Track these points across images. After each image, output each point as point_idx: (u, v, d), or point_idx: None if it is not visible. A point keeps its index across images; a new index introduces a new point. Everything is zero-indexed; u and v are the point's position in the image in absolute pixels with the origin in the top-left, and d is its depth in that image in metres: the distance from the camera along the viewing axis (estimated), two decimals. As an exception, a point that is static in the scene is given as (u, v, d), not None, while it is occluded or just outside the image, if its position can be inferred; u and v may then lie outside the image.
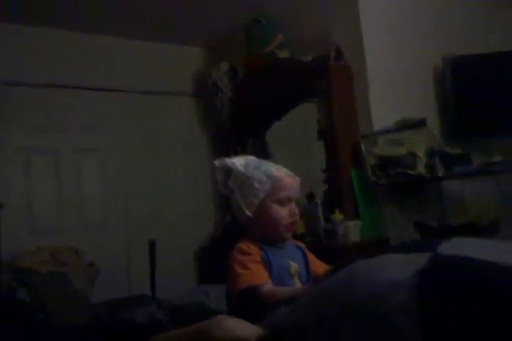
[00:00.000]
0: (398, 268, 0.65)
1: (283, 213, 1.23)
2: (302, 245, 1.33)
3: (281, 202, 1.23)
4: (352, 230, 2.33)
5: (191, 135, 3.58)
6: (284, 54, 2.83)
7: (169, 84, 3.45)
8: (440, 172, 2.29)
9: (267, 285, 1.11)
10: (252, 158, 1.31)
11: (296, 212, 1.24)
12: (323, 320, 0.70)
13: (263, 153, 2.92)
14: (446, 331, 0.55)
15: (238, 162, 1.26)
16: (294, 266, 1.23)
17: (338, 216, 2.34)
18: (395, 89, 2.57)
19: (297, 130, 3.01)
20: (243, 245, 1.19)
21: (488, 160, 2.31)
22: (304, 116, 2.89)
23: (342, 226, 2.32)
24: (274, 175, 1.23)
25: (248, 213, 1.21)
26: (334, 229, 2.32)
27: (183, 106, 3.57)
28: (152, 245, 2.75)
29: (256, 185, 1.21)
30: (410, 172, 2.29)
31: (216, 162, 1.30)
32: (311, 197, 2.57)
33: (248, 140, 3.20)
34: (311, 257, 1.33)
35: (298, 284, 1.21)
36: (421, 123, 2.40)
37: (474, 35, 2.91)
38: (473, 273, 0.62)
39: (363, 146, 2.42)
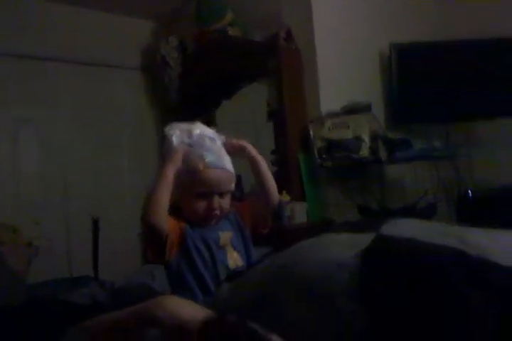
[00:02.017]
0: (342, 247, 0.66)
1: (199, 207, 1.20)
2: (232, 211, 1.30)
3: (200, 196, 1.20)
4: (297, 211, 2.38)
5: (138, 110, 3.47)
6: (234, 31, 2.78)
7: (116, 57, 3.31)
8: (383, 156, 2.37)
9: None
10: (196, 139, 1.23)
11: (215, 207, 1.20)
12: (267, 299, 0.70)
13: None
14: (386, 311, 0.57)
15: (177, 138, 1.22)
16: (224, 236, 1.24)
17: (285, 197, 2.37)
18: (343, 74, 2.61)
19: (248, 110, 3.00)
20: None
21: (427, 146, 2.41)
22: (256, 97, 2.88)
23: (288, 208, 2.36)
24: (193, 168, 1.18)
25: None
26: (280, 211, 2.35)
27: (130, 80, 3.45)
28: (95, 223, 2.67)
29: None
30: (355, 155, 2.35)
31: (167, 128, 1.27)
32: (259, 178, 2.58)
33: (196, 118, 3.15)
34: (243, 209, 1.32)
35: (231, 253, 1.23)
36: (366, 108, 2.46)
37: (422, 23, 2.99)
38: (412, 254, 0.65)
39: (310, 129, 2.45)
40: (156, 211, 1.13)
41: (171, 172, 1.17)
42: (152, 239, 1.17)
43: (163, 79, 3.23)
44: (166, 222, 1.15)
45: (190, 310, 0.73)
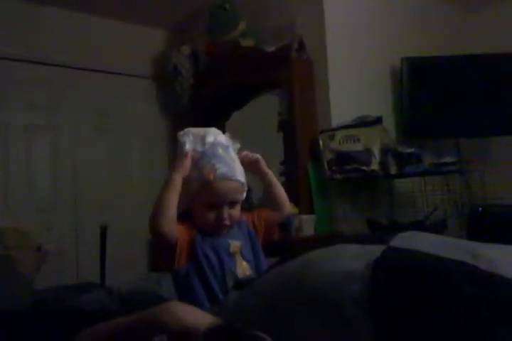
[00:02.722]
0: (353, 258, 0.66)
1: (208, 217, 1.19)
2: (243, 218, 1.29)
3: (210, 206, 1.19)
4: (306, 224, 2.36)
5: (149, 118, 3.50)
6: (247, 42, 2.79)
7: (128, 65, 3.35)
8: (392, 170, 2.36)
9: None
10: (209, 148, 1.21)
11: (225, 217, 1.19)
12: (276, 309, 0.70)
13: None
14: (396, 321, 0.57)
15: (190, 144, 1.21)
16: (235, 244, 1.23)
17: (292, 209, 2.36)
18: (354, 86, 2.62)
19: (257, 121, 3.01)
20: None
21: (438, 161, 2.40)
22: (265, 108, 2.89)
23: (296, 220, 2.34)
24: (204, 178, 1.17)
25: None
26: (288, 222, 2.34)
27: (142, 89, 3.48)
28: (103, 230, 2.68)
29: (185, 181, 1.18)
30: (365, 168, 2.34)
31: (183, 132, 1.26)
32: (267, 189, 2.58)
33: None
34: (256, 218, 1.32)
35: (240, 261, 1.22)
36: (377, 121, 2.46)
37: (434, 38, 3.00)
38: (421, 267, 0.64)
39: (320, 141, 2.45)
40: (165, 219, 1.13)
41: (179, 178, 1.17)
42: (161, 247, 1.17)
43: (174, 88, 3.26)
44: (175, 230, 1.15)
45: (196, 316, 0.73)
